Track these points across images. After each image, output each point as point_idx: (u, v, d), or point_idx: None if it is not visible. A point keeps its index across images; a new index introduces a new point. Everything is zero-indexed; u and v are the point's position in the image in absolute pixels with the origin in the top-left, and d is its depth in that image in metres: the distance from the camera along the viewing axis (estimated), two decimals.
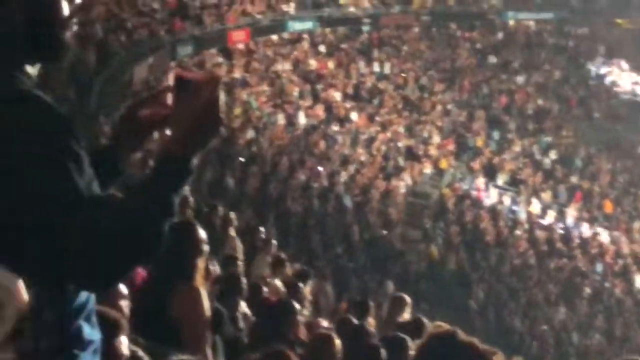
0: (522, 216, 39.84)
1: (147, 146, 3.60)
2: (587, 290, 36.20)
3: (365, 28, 47.52)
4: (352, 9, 47.22)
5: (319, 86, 42.00)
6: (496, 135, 45.26)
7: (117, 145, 3.47)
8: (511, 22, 52.97)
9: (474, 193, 39.82)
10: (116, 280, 3.25)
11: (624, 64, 52.49)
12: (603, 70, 52.99)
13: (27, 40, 3.06)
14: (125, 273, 3.14)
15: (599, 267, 38.04)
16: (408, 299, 15.56)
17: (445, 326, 9.03)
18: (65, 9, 3.12)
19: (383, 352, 9.17)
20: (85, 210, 2.79)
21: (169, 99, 3.15)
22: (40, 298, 3.07)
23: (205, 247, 7.86)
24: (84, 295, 3.11)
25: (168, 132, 3.09)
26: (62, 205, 2.77)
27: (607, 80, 51.95)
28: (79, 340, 3.16)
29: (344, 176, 35.92)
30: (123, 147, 3.46)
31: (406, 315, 14.34)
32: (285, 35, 44.56)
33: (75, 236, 2.77)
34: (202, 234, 7.79)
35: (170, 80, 3.12)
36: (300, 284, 14.19)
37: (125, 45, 35.10)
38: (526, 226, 38.94)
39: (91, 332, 3.22)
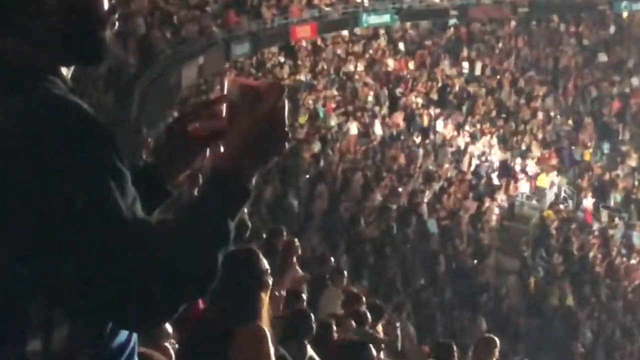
0: (638, 242, 37.52)
1: (198, 164, 3.30)
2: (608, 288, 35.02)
3: (452, 22, 45.62)
4: (436, 0, 44.31)
5: (398, 90, 40.33)
6: (607, 147, 42.96)
7: (163, 162, 3.24)
8: (625, 14, 50.05)
9: (581, 215, 37.91)
10: (162, 319, 2.73)
11: None
12: None
13: (62, 38, 2.74)
14: (172, 310, 2.66)
15: None
16: (497, 340, 14.64)
17: None
18: (105, 3, 2.82)
19: None
20: (128, 236, 2.51)
21: (224, 109, 2.92)
22: (74, 338, 2.71)
23: (269, 280, 7.39)
24: (123, 334, 2.75)
25: (222, 148, 2.88)
26: (100, 229, 2.49)
27: None
28: None
29: (427, 196, 34.36)
30: (170, 165, 3.22)
31: None
32: (358, 31, 42.66)
33: (114, 265, 2.50)
34: (265, 263, 7.38)
35: (226, 87, 2.86)
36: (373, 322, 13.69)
37: (172, 42, 33.60)
38: None
39: None
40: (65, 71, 2.82)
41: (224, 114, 3.02)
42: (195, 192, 3.62)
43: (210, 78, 36.08)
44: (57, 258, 2.58)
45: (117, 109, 29.20)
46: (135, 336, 2.96)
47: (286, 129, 2.94)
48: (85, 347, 2.74)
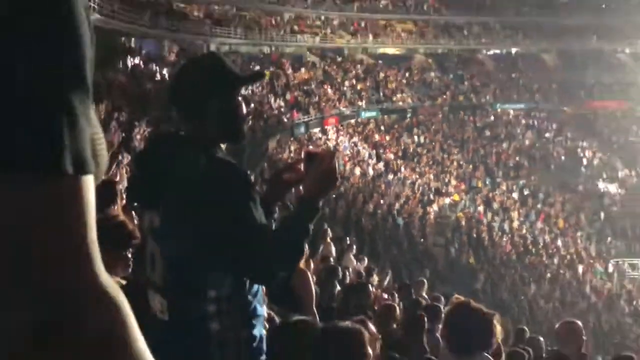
0: (506, 228, 40.69)
1: (288, 197, 3.93)
2: (548, 275, 37.51)
3: (409, 115, 47.94)
4: (400, 103, 47.87)
5: (381, 151, 43.23)
6: (489, 180, 45.76)
7: (269, 195, 3.65)
8: (498, 110, 51.55)
9: (476, 215, 41.03)
10: (276, 277, 3.47)
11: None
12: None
13: (221, 132, 3.43)
14: (282, 271, 3.49)
15: (555, 260, 39.36)
16: (425, 281, 16.69)
17: (462, 298, 8.45)
18: (245, 110, 3.56)
19: (425, 318, 8.95)
20: (262, 232, 3.19)
21: (302, 166, 3.40)
22: (233, 288, 3.35)
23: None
24: (256, 286, 3.41)
25: (302, 187, 3.42)
26: (250, 229, 3.15)
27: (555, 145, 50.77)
28: (255, 314, 3.49)
29: (397, 206, 36.59)
30: (273, 197, 3.67)
31: (424, 293, 14.98)
32: (360, 120, 45.57)
33: (257, 248, 3.14)
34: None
35: (303, 154, 3.47)
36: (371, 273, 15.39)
37: (263, 127, 35.85)
38: (509, 235, 40.04)
39: (261, 309, 3.57)
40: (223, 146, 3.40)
41: (302, 169, 3.41)
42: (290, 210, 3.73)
43: (283, 146, 37.20)
44: (230, 245, 3.16)
45: (237, 161, 31.85)
46: (261, 287, 3.53)
47: (337, 176, 3.39)
48: (239, 292, 3.30)
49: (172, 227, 3.16)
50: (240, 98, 3.30)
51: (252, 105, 36.67)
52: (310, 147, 36.27)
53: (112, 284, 1.06)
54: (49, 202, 1.04)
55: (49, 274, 1.01)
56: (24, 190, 1.01)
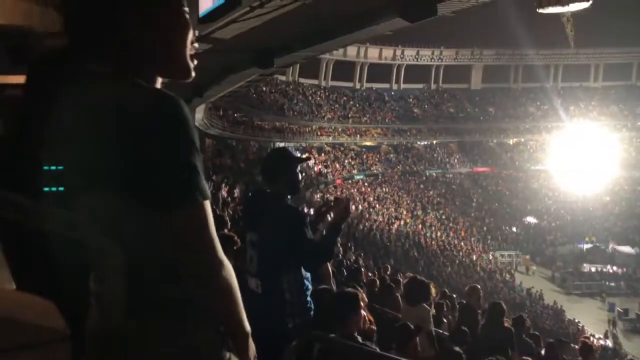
0: (434, 237, 38.48)
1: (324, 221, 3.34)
2: (457, 261, 35.64)
3: (380, 177, 45.85)
4: (375, 171, 46.05)
5: (365, 197, 41.39)
6: (423, 211, 42.66)
7: (315, 220, 3.25)
8: (427, 173, 48.66)
9: (417, 230, 38.71)
10: (320, 267, 3.30)
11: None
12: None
13: (289, 190, 3.01)
14: (322, 264, 3.27)
15: (461, 253, 37.62)
16: (389, 266, 14.83)
17: (411, 274, 8.74)
18: (300, 176, 3.04)
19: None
20: (312, 244, 2.88)
21: (333, 204, 3.10)
22: (296, 274, 2.92)
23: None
24: (308, 274, 3.00)
25: (332, 216, 3.06)
26: (307, 241, 2.85)
27: (458, 193, 48.65)
28: (307, 288, 3.00)
29: (374, 226, 34.67)
30: (317, 221, 3.27)
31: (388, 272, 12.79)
32: (353, 180, 43.72)
33: (308, 251, 2.84)
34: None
35: (333, 198, 3.18)
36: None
37: (303, 185, 33.75)
38: (435, 240, 38.12)
39: (309, 285, 3.07)
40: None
41: (332, 206, 3.11)
42: (324, 230, 3.17)
43: (313, 194, 34.26)
44: (296, 251, 2.84)
45: None
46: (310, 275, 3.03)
47: (350, 211, 3.07)
48: (300, 276, 2.90)
49: (266, 241, 2.97)
50: (298, 170, 3.15)
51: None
52: (334, 195, 35.06)
53: (228, 262, 1.17)
54: (198, 219, 1.11)
55: (204, 253, 1.13)
56: (185, 217, 1.11)
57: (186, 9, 1.25)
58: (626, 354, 23.86)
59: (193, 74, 1.29)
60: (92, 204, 1.13)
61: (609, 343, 26.91)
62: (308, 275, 3.07)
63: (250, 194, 3.83)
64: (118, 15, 1.16)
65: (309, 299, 3.05)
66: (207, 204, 1.14)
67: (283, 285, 2.92)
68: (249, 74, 12.88)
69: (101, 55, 1.18)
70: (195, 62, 1.29)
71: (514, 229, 44.86)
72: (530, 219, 45.41)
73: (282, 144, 41.27)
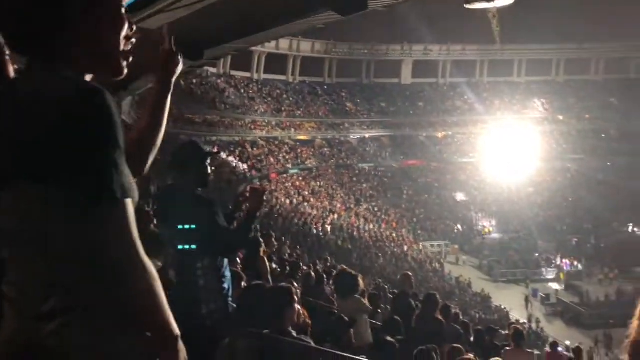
0: (367, 229, 38.80)
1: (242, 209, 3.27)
2: (389, 252, 35.82)
3: (314, 171, 45.44)
4: (309, 165, 45.82)
5: (300, 191, 40.83)
6: (356, 204, 42.79)
7: (234, 210, 3.27)
8: (359, 166, 48.82)
9: (351, 223, 38.75)
10: (234, 254, 3.25)
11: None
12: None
13: (198, 184, 3.01)
14: (237, 250, 3.33)
15: (392, 244, 37.93)
16: (329, 257, 15.41)
17: (343, 267, 8.82)
18: (209, 170, 2.99)
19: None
20: (224, 231, 2.93)
21: (250, 195, 3.06)
22: (211, 261, 2.94)
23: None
24: (225, 260, 3.07)
25: (248, 205, 3.04)
26: (220, 228, 2.92)
27: (390, 186, 49.27)
28: (224, 275, 3.04)
29: (309, 219, 34.11)
30: (236, 210, 3.28)
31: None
32: (288, 174, 43.27)
33: (221, 239, 2.89)
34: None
35: (248, 188, 3.10)
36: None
37: (237, 180, 34.20)
38: (368, 232, 38.52)
39: (228, 273, 3.08)
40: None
41: (248, 196, 3.06)
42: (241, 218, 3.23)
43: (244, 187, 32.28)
44: (210, 239, 2.83)
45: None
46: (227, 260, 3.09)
47: (264, 200, 3.08)
48: (214, 263, 2.92)
49: (178, 232, 2.95)
50: (207, 163, 3.13)
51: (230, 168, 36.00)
52: (252, 185, 34.65)
53: (151, 264, 1.14)
54: (117, 218, 1.08)
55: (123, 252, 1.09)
56: (106, 214, 1.08)
57: (123, 3, 1.21)
58: (548, 336, 24.91)
59: (125, 71, 1.25)
60: (7, 199, 1.07)
61: (533, 326, 28.18)
62: (225, 262, 3.07)
63: (158, 189, 3.93)
64: (50, 8, 1.12)
65: (225, 285, 3.04)
66: (129, 203, 1.10)
67: (197, 272, 2.93)
68: None
69: (30, 47, 1.15)
70: (131, 59, 1.25)
71: (453, 224, 45.67)
72: (459, 210, 47.20)
73: (214, 138, 40.77)
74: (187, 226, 2.90)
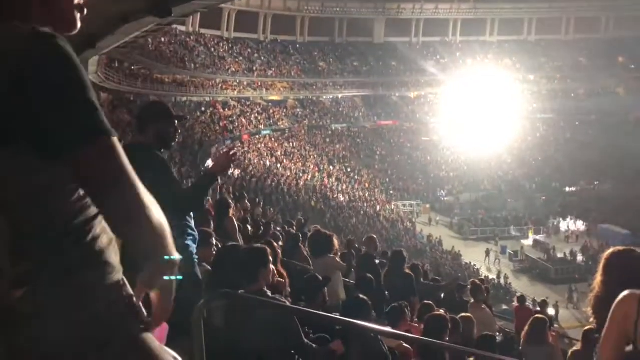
0: (340, 189, 39.12)
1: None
2: (362, 212, 36.20)
3: (286, 132, 45.48)
4: (282, 126, 46.02)
5: (272, 152, 40.95)
6: (329, 165, 43.28)
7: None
8: (333, 127, 49.14)
9: (324, 183, 38.90)
10: (188, 213, 2.98)
11: None
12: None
13: (160, 143, 2.98)
14: (191, 211, 2.96)
15: (365, 204, 38.13)
16: (302, 220, 13.94)
17: (318, 227, 8.55)
18: (176, 132, 2.99)
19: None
20: (175, 189, 2.83)
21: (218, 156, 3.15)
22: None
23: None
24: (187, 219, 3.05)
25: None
26: (172, 187, 2.81)
27: (363, 146, 52.56)
28: (192, 256, 3.06)
29: (282, 180, 34.05)
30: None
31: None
32: (260, 136, 43.21)
33: (172, 198, 2.56)
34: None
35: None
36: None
37: (209, 141, 33.74)
38: (341, 192, 38.70)
39: (192, 246, 3.07)
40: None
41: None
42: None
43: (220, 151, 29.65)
44: (166, 197, 2.08)
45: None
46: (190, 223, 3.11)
47: (229, 163, 2.98)
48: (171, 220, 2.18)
49: None
50: (173, 125, 3.10)
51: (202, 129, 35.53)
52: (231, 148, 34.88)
53: (153, 199, 1.16)
54: (112, 151, 1.07)
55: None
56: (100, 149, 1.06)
57: None
58: (516, 291, 25.67)
59: (78, 25, 1.22)
60: None
61: (502, 282, 29.19)
62: (188, 222, 3.03)
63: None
64: None
65: (189, 242, 3.01)
66: (116, 140, 1.08)
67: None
68: (146, 23, 12.32)
69: None
70: (85, 11, 1.22)
71: (424, 184, 46.12)
72: (431, 170, 47.47)
73: (184, 99, 40.67)
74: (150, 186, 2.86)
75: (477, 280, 8.28)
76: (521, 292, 16.88)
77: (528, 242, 37.15)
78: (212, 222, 5.82)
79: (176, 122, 3.10)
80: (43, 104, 1.02)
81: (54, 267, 1.06)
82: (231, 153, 3.04)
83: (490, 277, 28.58)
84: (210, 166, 3.08)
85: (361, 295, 4.22)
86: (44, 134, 1.02)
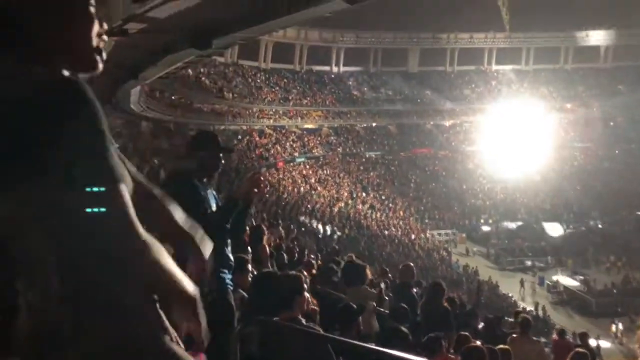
0: (374, 217, 39.35)
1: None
2: (396, 240, 36.32)
3: (320, 160, 46.33)
4: (316, 153, 46.81)
5: (307, 179, 41.89)
6: (363, 192, 43.64)
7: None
8: (366, 155, 49.63)
9: (358, 210, 39.38)
10: (213, 238, 2.34)
11: None
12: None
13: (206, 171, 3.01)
14: (214, 235, 2.36)
15: (399, 232, 38.57)
16: (336, 247, 15.25)
17: (352, 257, 8.64)
18: (222, 161, 2.97)
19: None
20: (206, 214, 2.89)
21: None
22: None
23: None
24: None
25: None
26: (203, 212, 2.85)
27: (397, 174, 51.53)
28: (224, 282, 2.93)
29: (317, 207, 35.49)
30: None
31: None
32: (295, 163, 44.27)
33: (206, 221, 2.39)
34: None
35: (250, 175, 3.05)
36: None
37: (246, 168, 33.81)
38: (375, 220, 39.16)
39: (226, 271, 2.98)
40: None
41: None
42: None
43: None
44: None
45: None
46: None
47: (255, 190, 2.93)
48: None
49: None
50: (218, 156, 3.13)
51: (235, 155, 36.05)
52: (266, 175, 35.27)
53: (155, 240, 1.14)
54: (114, 197, 1.07)
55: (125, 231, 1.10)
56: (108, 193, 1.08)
57: (92, 1, 1.24)
58: (555, 323, 24.95)
59: (100, 67, 1.27)
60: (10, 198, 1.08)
61: (540, 314, 28.24)
62: (222, 249, 3.00)
63: (166, 175, 3.84)
64: (19, 5, 1.15)
65: (223, 268, 2.99)
66: (122, 186, 1.11)
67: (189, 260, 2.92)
68: (186, 55, 12.68)
69: (6, 42, 1.15)
70: (105, 55, 1.28)
71: (460, 212, 45.72)
72: (467, 199, 47.09)
73: (221, 127, 41.56)
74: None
75: (526, 315, 8.00)
76: (560, 325, 16.32)
77: (567, 272, 36.06)
78: (248, 249, 5.80)
79: (221, 153, 3.12)
80: (61, 145, 1.05)
81: (89, 285, 1.10)
82: (255, 177, 3.03)
83: (528, 308, 28.08)
84: (235, 191, 3.07)
85: (398, 325, 4.20)
86: (58, 172, 1.05)
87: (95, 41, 1.26)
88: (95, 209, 1.06)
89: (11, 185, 1.05)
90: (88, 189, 1.06)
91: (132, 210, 1.12)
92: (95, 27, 1.25)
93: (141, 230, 1.13)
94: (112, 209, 1.09)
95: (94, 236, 1.08)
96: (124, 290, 1.13)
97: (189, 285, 1.23)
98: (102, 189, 1.08)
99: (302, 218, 31.08)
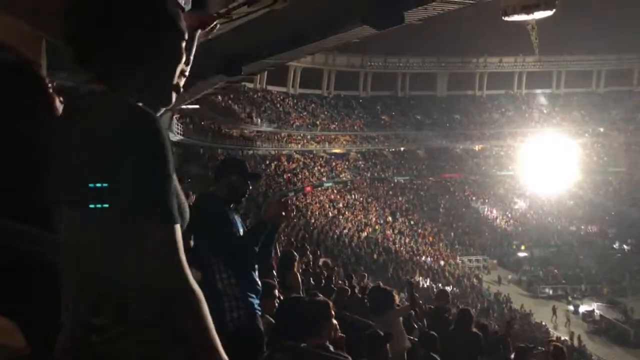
0: (402, 242, 39.33)
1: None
2: (425, 266, 36.24)
3: (348, 184, 45.89)
4: (344, 178, 46.38)
5: (334, 204, 41.72)
6: (391, 217, 43.07)
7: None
8: (395, 180, 49.21)
9: (386, 236, 39.25)
10: (244, 261, 2.94)
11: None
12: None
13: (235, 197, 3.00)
14: (242, 259, 2.91)
15: (429, 259, 38.01)
16: (365, 274, 15.59)
17: (380, 283, 8.60)
18: (249, 187, 3.00)
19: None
20: (231, 240, 2.93)
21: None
22: (225, 281, 2.86)
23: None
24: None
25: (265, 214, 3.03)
26: (228, 237, 2.94)
27: (426, 199, 50.26)
28: (253, 307, 2.93)
29: (345, 232, 35.65)
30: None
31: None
32: (323, 187, 43.99)
33: (234, 245, 2.86)
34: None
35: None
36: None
37: (274, 192, 34.47)
38: (404, 245, 38.93)
39: (253, 297, 2.98)
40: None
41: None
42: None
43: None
44: (220, 250, 2.83)
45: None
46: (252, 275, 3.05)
47: (281, 213, 2.98)
48: (230, 272, 2.92)
49: (200, 242, 3.01)
50: (245, 182, 3.20)
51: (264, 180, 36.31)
52: (295, 199, 36.25)
53: (198, 288, 1.12)
54: (167, 237, 1.08)
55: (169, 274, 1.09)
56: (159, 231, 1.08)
57: (185, 37, 1.23)
58: (591, 354, 24.49)
59: (173, 102, 1.28)
60: (70, 218, 1.13)
61: (575, 344, 27.31)
62: (250, 272, 3.05)
63: (195, 198, 3.89)
64: (112, 36, 1.16)
65: (251, 293, 3.04)
66: (177, 227, 1.11)
67: (217, 284, 2.93)
68: (216, 81, 12.79)
69: (91, 72, 1.19)
70: (181, 91, 1.29)
71: (491, 238, 45.05)
72: (498, 224, 46.38)
73: (250, 152, 42.15)
74: (203, 237, 2.94)
75: (558, 344, 7.76)
76: (597, 355, 15.78)
77: (603, 300, 35.13)
78: (275, 274, 5.79)
79: (249, 180, 3.19)
80: (130, 179, 1.07)
81: (131, 322, 1.11)
82: (283, 200, 3.07)
83: (562, 337, 26.97)
84: (262, 214, 3.14)
85: (431, 353, 4.07)
86: (121, 204, 1.08)
87: (177, 78, 1.26)
88: (149, 248, 1.08)
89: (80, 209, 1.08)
90: (145, 229, 1.08)
91: (182, 253, 1.12)
92: (181, 65, 1.25)
93: (190, 277, 1.14)
94: (165, 251, 1.09)
95: (142, 274, 1.09)
96: (161, 333, 1.12)
97: (220, 346, 1.19)
98: (161, 230, 1.09)
99: (329, 243, 30.81)
